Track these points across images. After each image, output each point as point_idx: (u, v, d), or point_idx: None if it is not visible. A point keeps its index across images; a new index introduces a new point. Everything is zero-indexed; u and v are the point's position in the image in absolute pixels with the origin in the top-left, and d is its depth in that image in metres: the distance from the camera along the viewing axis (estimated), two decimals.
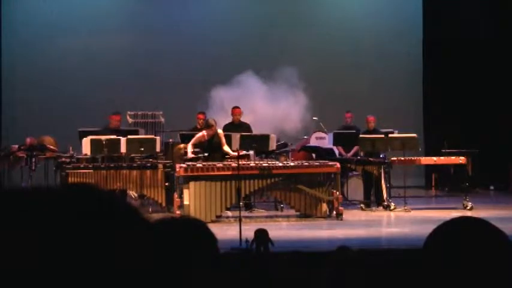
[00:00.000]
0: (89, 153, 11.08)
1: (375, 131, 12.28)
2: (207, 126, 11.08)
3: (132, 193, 11.97)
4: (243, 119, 12.22)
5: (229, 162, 10.44)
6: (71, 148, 11.80)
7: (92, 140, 11.04)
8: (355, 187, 12.37)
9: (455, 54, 15.14)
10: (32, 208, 0.95)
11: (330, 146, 12.82)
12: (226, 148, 11.08)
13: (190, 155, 10.97)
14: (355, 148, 12.48)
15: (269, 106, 12.67)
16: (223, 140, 11.11)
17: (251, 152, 11.42)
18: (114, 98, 14.20)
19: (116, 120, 12.05)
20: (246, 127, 12.04)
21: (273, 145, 11.61)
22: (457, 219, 1.44)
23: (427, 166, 13.90)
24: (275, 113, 12.60)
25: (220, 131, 11.21)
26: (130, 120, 13.53)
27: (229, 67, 13.19)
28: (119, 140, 11.16)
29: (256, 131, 12.05)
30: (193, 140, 11.10)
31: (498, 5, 15.10)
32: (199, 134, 11.13)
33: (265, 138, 11.47)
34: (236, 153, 10.12)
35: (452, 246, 1.36)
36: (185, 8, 15.72)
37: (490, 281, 1.33)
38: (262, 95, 12.73)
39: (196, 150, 11.28)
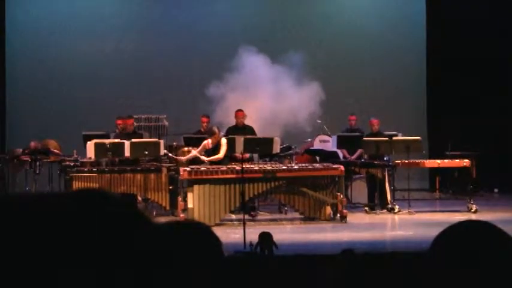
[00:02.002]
0: (93, 156, 11.10)
1: (378, 134, 12.27)
2: (211, 134, 11.14)
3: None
4: (248, 120, 12.25)
5: (233, 166, 10.44)
6: (75, 152, 11.82)
7: (96, 144, 11.05)
8: (359, 190, 12.36)
9: (459, 55, 15.11)
10: (39, 212, 0.95)
11: (334, 149, 12.80)
12: (219, 155, 11.07)
13: (198, 155, 11.04)
14: (359, 151, 12.45)
15: (274, 89, 12.79)
16: (224, 148, 11.11)
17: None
18: (118, 102, 14.22)
19: (132, 124, 12.11)
20: (249, 130, 12.05)
21: (276, 148, 11.61)
22: (463, 222, 1.43)
23: (431, 169, 13.87)
24: (280, 96, 12.74)
25: (224, 140, 11.19)
26: (134, 123, 13.55)
27: (233, 58, 13.18)
28: (123, 143, 11.17)
29: (261, 121, 12.11)
30: (199, 149, 11.12)
31: (500, 5, 15.08)
32: (204, 142, 11.16)
33: (268, 141, 11.46)
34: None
35: (459, 249, 1.36)
36: (189, 9, 15.70)
37: (496, 283, 1.32)
38: (267, 79, 12.83)
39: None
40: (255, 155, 11.94)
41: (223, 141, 11.18)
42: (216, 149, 11.13)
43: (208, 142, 11.12)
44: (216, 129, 11.21)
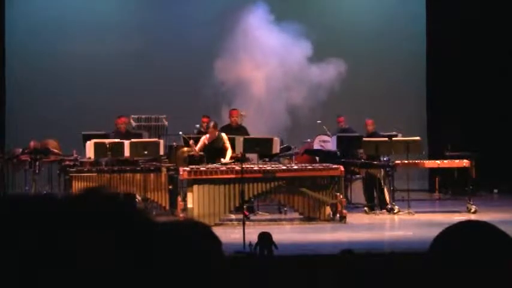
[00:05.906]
0: (92, 156, 11.09)
1: (374, 134, 12.25)
2: (208, 128, 11.25)
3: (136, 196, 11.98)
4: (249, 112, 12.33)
5: (233, 166, 10.44)
6: (74, 152, 11.81)
7: (95, 144, 11.04)
8: (359, 190, 12.35)
9: (459, 55, 15.11)
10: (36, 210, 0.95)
11: (334, 149, 12.79)
12: (229, 151, 11.08)
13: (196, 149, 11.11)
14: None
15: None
16: (228, 143, 11.11)
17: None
18: (117, 102, 14.21)
19: (124, 122, 12.12)
20: (243, 130, 12.03)
21: (276, 148, 11.61)
22: (463, 222, 1.44)
23: (431, 169, 13.87)
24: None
25: (224, 134, 11.21)
26: (134, 123, 13.56)
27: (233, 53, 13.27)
28: (123, 143, 11.17)
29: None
30: (198, 145, 11.15)
31: (500, 4, 15.08)
32: (202, 138, 11.18)
33: (268, 141, 11.47)
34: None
35: (458, 250, 1.36)
36: (187, 10, 15.68)
37: (495, 283, 1.32)
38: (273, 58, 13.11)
39: (201, 153, 11.33)
40: (252, 155, 11.96)
41: (224, 136, 11.17)
42: (215, 143, 11.09)
43: (206, 137, 11.14)
44: (211, 124, 11.24)
